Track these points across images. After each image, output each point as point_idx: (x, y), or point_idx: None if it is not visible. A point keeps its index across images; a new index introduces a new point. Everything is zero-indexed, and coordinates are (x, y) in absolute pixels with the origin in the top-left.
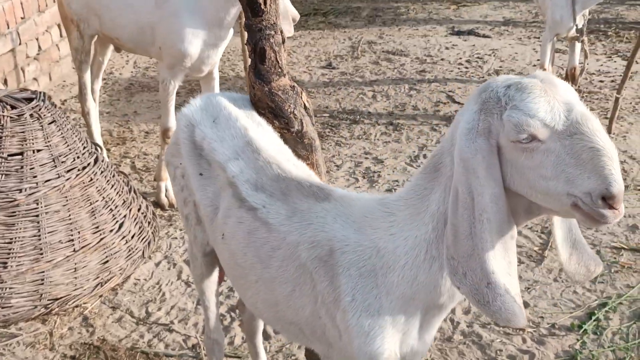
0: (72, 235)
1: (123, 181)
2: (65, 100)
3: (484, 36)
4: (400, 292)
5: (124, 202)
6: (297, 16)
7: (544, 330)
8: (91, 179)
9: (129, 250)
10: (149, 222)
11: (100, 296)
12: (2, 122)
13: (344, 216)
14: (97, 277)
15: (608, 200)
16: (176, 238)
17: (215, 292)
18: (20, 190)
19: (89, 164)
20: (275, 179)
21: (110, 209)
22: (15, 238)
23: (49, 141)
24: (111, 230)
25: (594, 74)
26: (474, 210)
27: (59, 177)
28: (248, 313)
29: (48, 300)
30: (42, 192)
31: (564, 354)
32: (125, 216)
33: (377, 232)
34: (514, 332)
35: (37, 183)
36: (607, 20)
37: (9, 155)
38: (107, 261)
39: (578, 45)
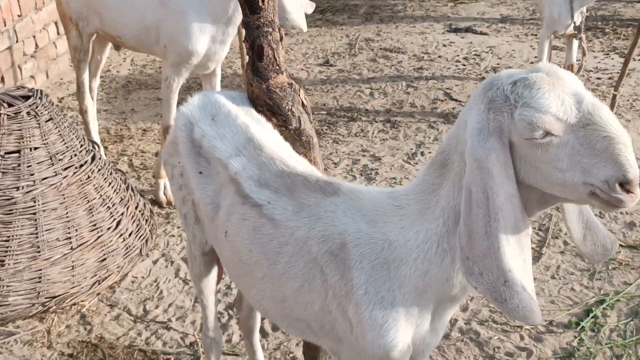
0: (69, 233)
1: (120, 179)
2: (63, 98)
3: (482, 33)
4: (412, 284)
5: (122, 199)
6: (312, 7)
7: (541, 328)
8: (88, 177)
9: (127, 248)
10: (146, 220)
11: (98, 294)
12: None
13: (354, 210)
14: (95, 275)
15: (625, 185)
16: (174, 236)
17: (214, 291)
18: (18, 188)
19: (86, 162)
20: (280, 174)
21: (108, 207)
22: (13, 236)
23: (46, 139)
24: (109, 228)
25: (591, 71)
26: (489, 209)
27: (56, 174)
28: (245, 311)
29: (45, 298)
30: (40, 189)
31: (562, 351)
32: (122, 214)
33: (388, 225)
34: (511, 330)
35: (34, 181)
36: (604, 17)
37: (6, 153)
38: (104, 259)
39: (575, 42)
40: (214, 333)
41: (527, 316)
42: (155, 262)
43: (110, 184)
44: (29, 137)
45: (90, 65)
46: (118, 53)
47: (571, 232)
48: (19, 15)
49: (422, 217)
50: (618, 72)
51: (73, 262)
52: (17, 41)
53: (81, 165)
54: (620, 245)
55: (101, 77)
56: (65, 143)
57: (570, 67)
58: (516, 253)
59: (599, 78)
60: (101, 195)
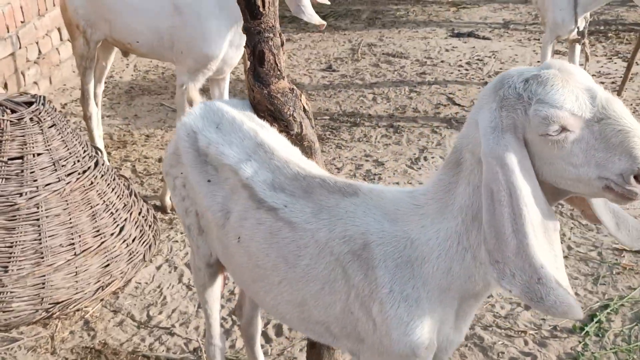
0: (72, 239)
1: (124, 184)
2: (66, 104)
3: (484, 38)
4: (436, 282)
5: (125, 205)
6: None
7: (545, 333)
8: (91, 183)
9: (130, 254)
10: (149, 226)
11: (102, 300)
12: (2, 125)
13: (374, 209)
14: (98, 281)
15: None
16: (177, 241)
17: (218, 299)
18: (21, 194)
19: (89, 168)
20: (295, 177)
21: (111, 213)
22: (16, 242)
23: (49, 145)
24: (112, 234)
25: (594, 75)
26: (513, 206)
27: (59, 180)
28: (245, 318)
29: (49, 304)
30: (43, 195)
31: (566, 356)
32: (126, 220)
33: (409, 224)
34: (515, 335)
35: (37, 187)
36: (607, 22)
37: (9, 159)
38: (108, 265)
39: (578, 47)
40: (218, 341)
41: (566, 311)
42: (158, 268)
43: (113, 189)
44: (32, 143)
45: (95, 71)
46: (120, 59)
47: (605, 224)
48: (22, 22)
49: (441, 215)
50: (621, 77)
51: (76, 268)
52: (20, 47)
53: (84, 171)
54: (625, 249)
55: (104, 83)
56: (68, 149)
57: None
58: (546, 249)
59: (602, 82)
60: (104, 201)
